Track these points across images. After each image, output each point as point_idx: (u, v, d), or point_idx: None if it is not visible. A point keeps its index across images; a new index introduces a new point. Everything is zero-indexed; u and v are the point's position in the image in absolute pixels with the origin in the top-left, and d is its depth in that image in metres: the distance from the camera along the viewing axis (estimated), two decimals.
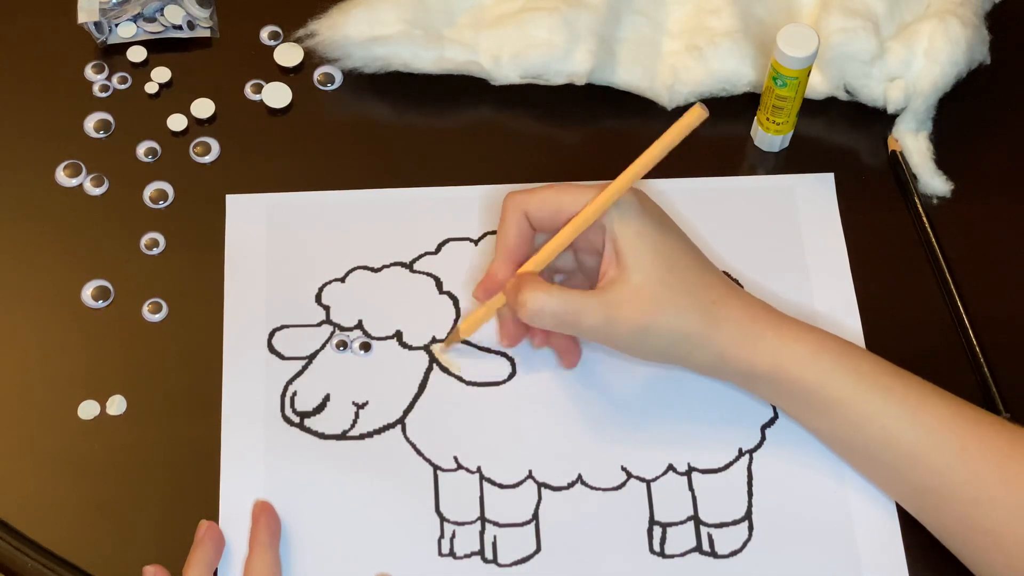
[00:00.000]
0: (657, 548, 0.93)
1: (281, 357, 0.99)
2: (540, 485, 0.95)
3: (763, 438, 0.97)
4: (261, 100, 1.10)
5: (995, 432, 0.88)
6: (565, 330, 0.92)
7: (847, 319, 1.01)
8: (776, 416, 0.97)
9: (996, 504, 0.86)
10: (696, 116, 0.88)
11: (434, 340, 1.00)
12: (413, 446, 0.96)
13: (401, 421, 0.97)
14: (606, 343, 0.93)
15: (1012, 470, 0.86)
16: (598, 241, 0.92)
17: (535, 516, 0.94)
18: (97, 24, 1.10)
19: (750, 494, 0.95)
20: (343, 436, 0.96)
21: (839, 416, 0.90)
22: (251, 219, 1.04)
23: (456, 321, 1.00)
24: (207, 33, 1.12)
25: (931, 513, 0.90)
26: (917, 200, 1.06)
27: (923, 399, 0.89)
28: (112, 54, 1.11)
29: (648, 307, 0.89)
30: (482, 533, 0.94)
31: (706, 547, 0.93)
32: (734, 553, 0.93)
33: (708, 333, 0.90)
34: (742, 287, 1.00)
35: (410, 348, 0.99)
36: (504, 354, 0.99)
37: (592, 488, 0.95)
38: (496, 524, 0.94)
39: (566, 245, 0.92)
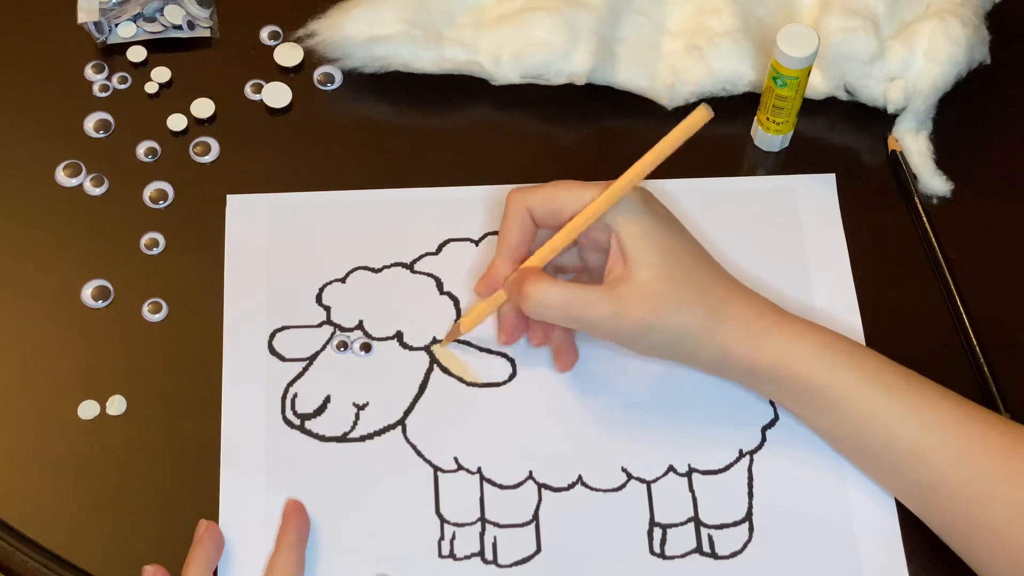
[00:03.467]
0: (657, 549, 0.93)
1: (282, 359, 0.99)
2: (540, 486, 0.95)
3: (763, 439, 0.97)
4: (261, 100, 1.10)
5: (998, 431, 0.88)
6: (569, 324, 0.92)
7: (848, 319, 1.01)
8: (777, 417, 0.97)
9: (998, 503, 0.86)
10: (701, 117, 0.88)
11: (435, 341, 1.00)
12: (413, 447, 0.96)
13: (402, 422, 0.97)
14: (611, 338, 0.92)
15: (1014, 469, 0.87)
16: (603, 239, 0.92)
17: (535, 517, 0.94)
18: (97, 24, 1.10)
19: (750, 495, 0.95)
20: (343, 439, 0.96)
21: (841, 414, 0.91)
22: (252, 219, 1.04)
23: (456, 321, 1.00)
24: (207, 33, 1.12)
25: (933, 512, 0.90)
26: (917, 200, 1.06)
27: (926, 397, 0.89)
28: (112, 54, 1.11)
29: (655, 303, 0.89)
30: (482, 534, 0.94)
31: (706, 548, 0.93)
32: (734, 554, 0.93)
33: (714, 330, 0.90)
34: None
35: (411, 349, 0.99)
36: (504, 355, 0.99)
37: (592, 489, 0.95)
38: (496, 525, 0.94)
39: (568, 242, 0.92)
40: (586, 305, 0.90)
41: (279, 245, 1.03)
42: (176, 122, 1.09)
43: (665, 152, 0.90)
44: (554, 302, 0.90)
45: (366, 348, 0.99)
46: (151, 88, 1.10)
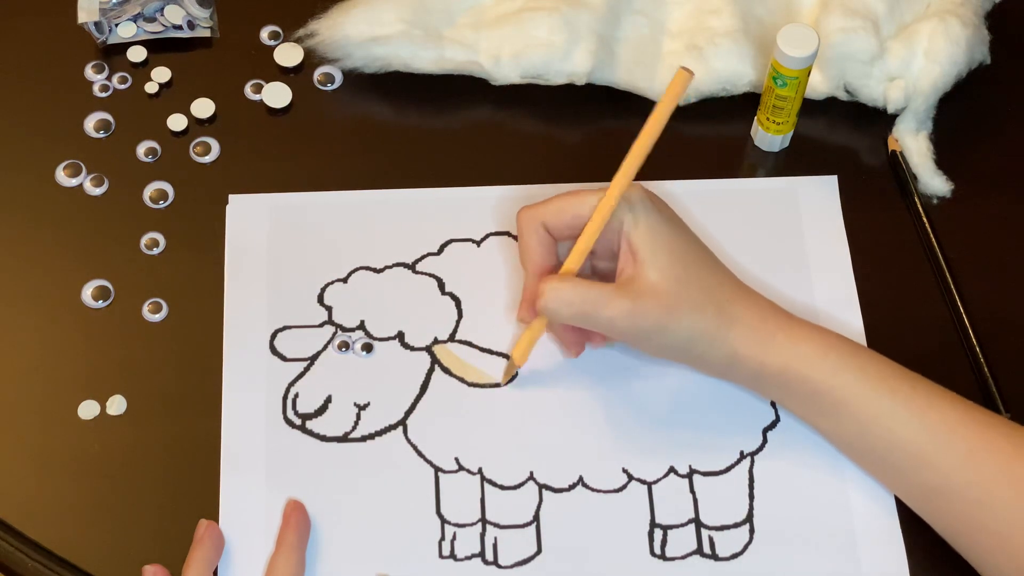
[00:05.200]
0: (658, 550, 0.93)
1: (283, 359, 0.99)
2: (541, 487, 0.95)
3: (764, 441, 0.97)
4: (261, 100, 1.10)
5: (1002, 434, 0.88)
6: (584, 322, 0.91)
7: (849, 320, 1.01)
8: (777, 419, 0.97)
9: (1002, 506, 0.87)
10: (683, 79, 0.88)
11: (436, 341, 1.00)
12: (414, 447, 0.96)
13: (403, 422, 0.97)
14: (625, 337, 0.92)
15: (1018, 472, 0.87)
16: (614, 243, 0.92)
17: (536, 518, 0.94)
18: (97, 24, 1.10)
19: (751, 497, 0.95)
20: (344, 439, 0.96)
21: (846, 417, 0.91)
22: (253, 219, 1.04)
23: (458, 322, 1.00)
24: (207, 33, 1.12)
25: (937, 514, 0.90)
26: (917, 200, 1.06)
27: (930, 401, 0.89)
28: (112, 54, 1.11)
29: (667, 303, 0.89)
30: (483, 535, 0.94)
31: (707, 549, 0.93)
32: (735, 555, 0.93)
33: (723, 332, 0.91)
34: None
35: (412, 349, 0.99)
36: (506, 356, 0.99)
37: (593, 490, 0.95)
38: (497, 526, 0.94)
39: (593, 242, 0.92)
40: (601, 302, 0.90)
41: (281, 245, 1.03)
42: (176, 122, 1.09)
43: (662, 120, 0.90)
44: (568, 299, 0.90)
45: (367, 348, 0.99)
46: (151, 88, 1.10)
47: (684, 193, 1.04)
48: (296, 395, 0.98)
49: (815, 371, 0.90)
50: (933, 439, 0.89)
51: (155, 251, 1.04)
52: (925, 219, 1.05)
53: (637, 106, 1.09)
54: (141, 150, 1.08)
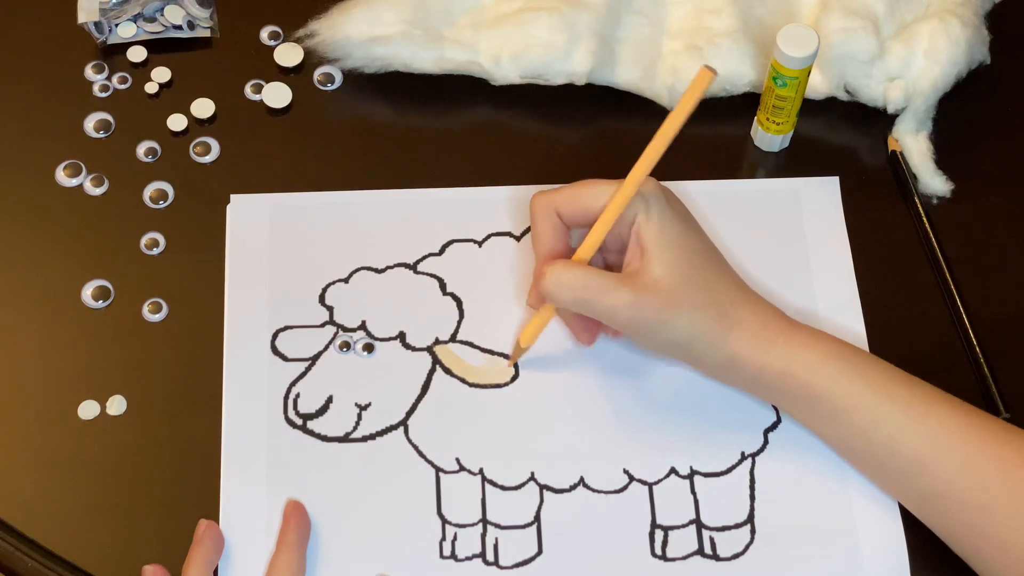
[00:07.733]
0: (659, 551, 0.93)
1: (284, 359, 0.99)
2: (542, 487, 0.95)
3: (765, 442, 0.97)
4: (261, 100, 1.10)
5: (1002, 439, 0.88)
6: (584, 308, 0.91)
7: (850, 321, 1.01)
8: (779, 420, 0.97)
9: (1003, 511, 0.86)
10: (705, 77, 0.88)
11: (437, 341, 1.00)
12: (415, 448, 0.96)
13: (404, 423, 0.97)
14: (625, 327, 0.92)
15: (1018, 477, 0.87)
16: (624, 236, 0.92)
17: (537, 518, 0.94)
18: (97, 24, 1.10)
19: (752, 498, 0.95)
20: (345, 439, 0.96)
21: (846, 422, 0.91)
22: (254, 219, 1.04)
23: (459, 323, 1.00)
24: (207, 33, 1.12)
25: (938, 519, 0.90)
26: (917, 200, 1.06)
27: (930, 406, 0.89)
28: (112, 54, 1.11)
29: (668, 300, 0.89)
30: (484, 535, 0.94)
31: (708, 550, 0.93)
32: (736, 556, 0.93)
33: (723, 334, 0.91)
34: None
35: (413, 349, 0.99)
36: (507, 356, 0.99)
37: (594, 491, 0.95)
38: (498, 526, 0.94)
39: (607, 232, 0.92)
40: (602, 290, 0.89)
41: (282, 245, 1.03)
42: (176, 122, 1.08)
43: (682, 118, 0.90)
44: (569, 284, 0.90)
45: (369, 348, 0.99)
46: (151, 88, 1.10)
47: (685, 193, 1.04)
48: (297, 395, 0.98)
49: (815, 376, 0.90)
50: (933, 444, 0.88)
51: (155, 251, 1.04)
52: (925, 219, 1.05)
53: (637, 106, 1.09)
54: (141, 150, 1.07)
